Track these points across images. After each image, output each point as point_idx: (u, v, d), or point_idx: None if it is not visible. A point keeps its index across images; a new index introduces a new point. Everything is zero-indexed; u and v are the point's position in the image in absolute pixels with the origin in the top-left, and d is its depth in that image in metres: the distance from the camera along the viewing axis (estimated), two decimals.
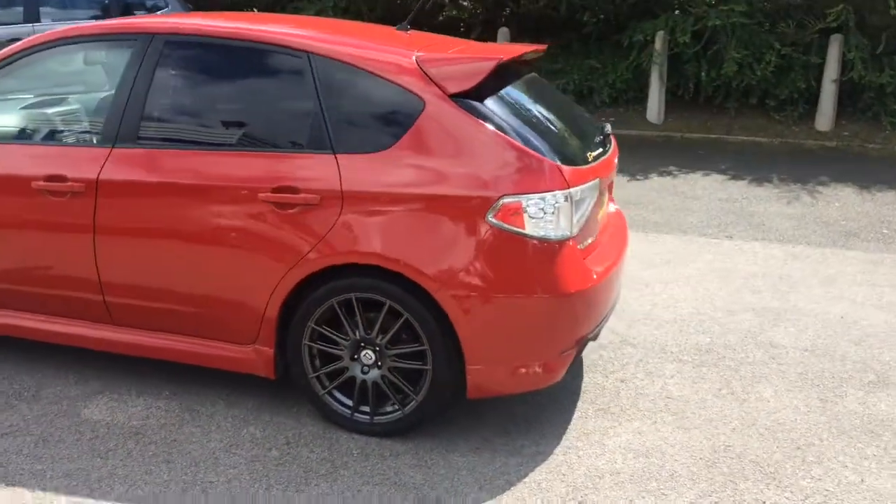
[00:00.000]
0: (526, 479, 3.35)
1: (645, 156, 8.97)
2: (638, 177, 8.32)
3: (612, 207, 4.34)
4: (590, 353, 4.40)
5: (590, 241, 3.66)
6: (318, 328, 3.54)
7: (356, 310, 3.48)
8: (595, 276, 3.52)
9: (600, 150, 3.88)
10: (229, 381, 3.90)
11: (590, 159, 3.67)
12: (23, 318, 3.99)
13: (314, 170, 3.43)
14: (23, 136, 4.09)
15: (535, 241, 3.33)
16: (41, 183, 3.75)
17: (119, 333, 3.85)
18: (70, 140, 3.99)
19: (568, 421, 3.79)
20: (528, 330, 3.40)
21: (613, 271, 3.74)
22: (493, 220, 3.29)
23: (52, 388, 3.95)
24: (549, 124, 3.84)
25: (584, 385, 4.13)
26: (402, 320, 3.43)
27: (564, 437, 3.65)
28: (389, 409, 3.59)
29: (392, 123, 3.44)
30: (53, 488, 3.21)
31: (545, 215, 3.32)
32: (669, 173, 8.55)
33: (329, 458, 3.46)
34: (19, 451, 3.44)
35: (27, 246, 3.86)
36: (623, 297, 5.09)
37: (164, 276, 3.67)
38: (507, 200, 3.28)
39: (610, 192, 4.24)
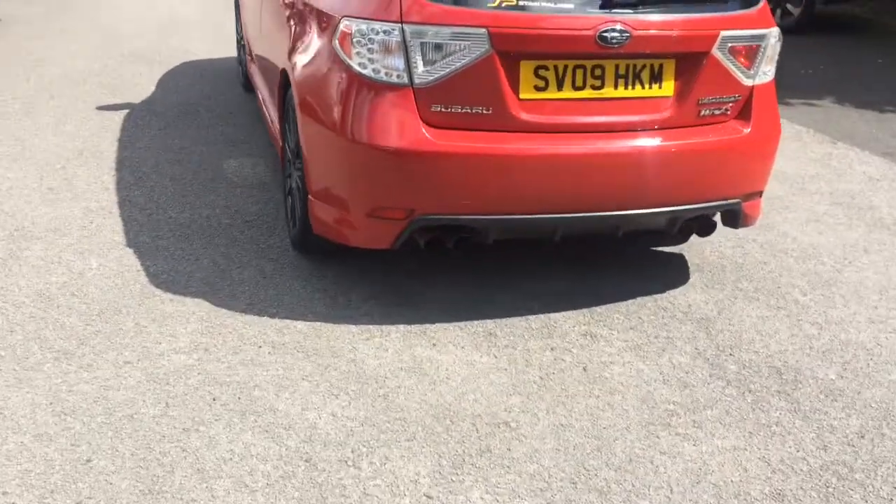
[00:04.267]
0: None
1: None
2: None
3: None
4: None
5: (479, 111, 2.93)
6: None
7: None
8: (436, 145, 2.89)
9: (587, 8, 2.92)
10: None
11: (494, 3, 2.87)
12: None
13: None
14: None
15: (358, 78, 2.95)
16: None
17: None
18: None
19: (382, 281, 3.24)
20: (340, 175, 3.08)
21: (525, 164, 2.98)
22: (335, 44, 3.04)
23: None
24: None
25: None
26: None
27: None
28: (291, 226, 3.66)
29: None
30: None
31: (368, 49, 2.90)
32: None
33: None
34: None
35: None
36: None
37: None
38: (344, 23, 2.98)
39: (670, 78, 3.11)
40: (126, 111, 5.52)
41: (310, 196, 3.21)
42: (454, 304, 3.31)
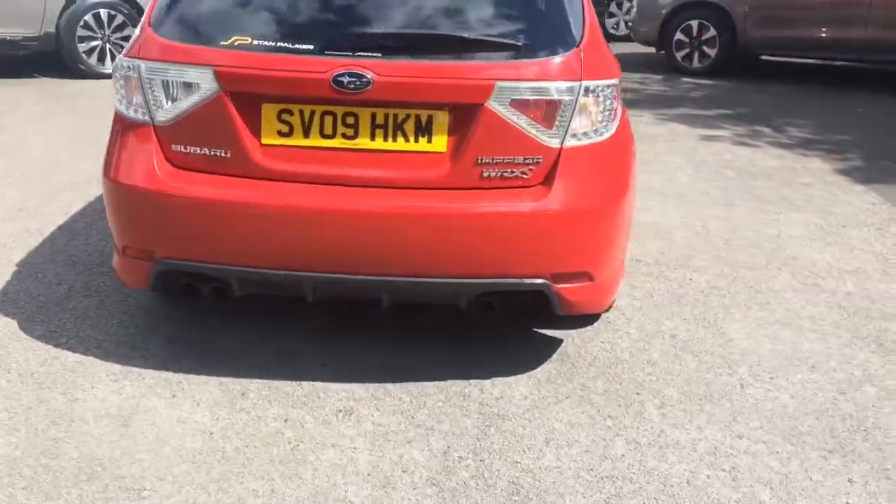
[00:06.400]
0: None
1: None
2: None
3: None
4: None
5: (218, 153, 2.78)
6: None
7: None
8: (167, 186, 2.78)
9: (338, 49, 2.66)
10: None
11: (227, 41, 2.71)
12: None
13: None
14: None
15: (118, 114, 2.95)
16: None
17: None
18: None
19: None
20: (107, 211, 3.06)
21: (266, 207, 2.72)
22: None
23: None
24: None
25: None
26: None
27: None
28: None
29: None
30: None
31: (121, 85, 2.89)
32: None
33: None
34: None
35: None
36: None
37: None
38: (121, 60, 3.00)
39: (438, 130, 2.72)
40: None
41: None
42: (242, 358, 3.11)
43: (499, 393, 2.97)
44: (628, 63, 10.52)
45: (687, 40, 9.70)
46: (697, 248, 4.36)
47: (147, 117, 2.76)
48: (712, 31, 9.50)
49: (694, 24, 9.60)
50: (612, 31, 12.56)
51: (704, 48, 9.63)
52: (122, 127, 2.86)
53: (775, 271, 4.11)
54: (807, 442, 2.74)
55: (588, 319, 3.42)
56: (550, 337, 3.37)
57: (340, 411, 2.83)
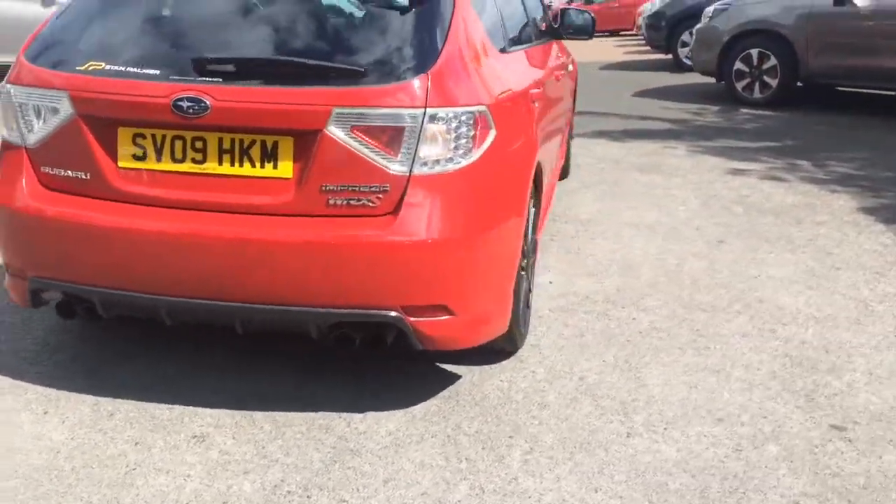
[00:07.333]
0: None
1: None
2: None
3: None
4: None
5: (79, 176, 2.83)
6: None
7: None
8: (29, 207, 2.87)
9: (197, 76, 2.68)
10: None
11: (83, 66, 2.77)
12: None
13: None
14: None
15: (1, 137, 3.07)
16: None
17: None
18: None
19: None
20: None
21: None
22: None
23: None
24: (126, 26, 2.90)
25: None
26: None
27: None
28: None
29: None
30: None
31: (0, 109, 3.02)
32: None
33: None
34: None
35: None
36: None
37: None
38: None
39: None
40: None
41: None
42: (133, 380, 3.13)
43: (365, 427, 2.87)
44: (689, 93, 10.22)
45: (747, 69, 9.29)
46: (659, 286, 4.13)
47: (20, 140, 2.85)
48: (773, 60, 9.06)
49: (754, 52, 9.19)
50: (686, 60, 12.17)
51: (765, 78, 9.19)
52: (3, 149, 2.96)
53: (733, 314, 3.84)
54: (669, 501, 2.52)
55: (498, 356, 3.30)
56: (448, 372, 3.24)
57: (195, 437, 2.80)
